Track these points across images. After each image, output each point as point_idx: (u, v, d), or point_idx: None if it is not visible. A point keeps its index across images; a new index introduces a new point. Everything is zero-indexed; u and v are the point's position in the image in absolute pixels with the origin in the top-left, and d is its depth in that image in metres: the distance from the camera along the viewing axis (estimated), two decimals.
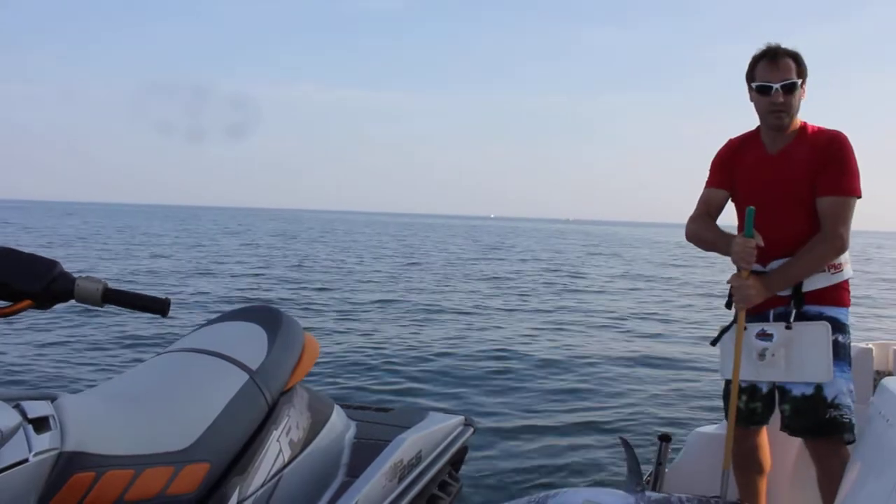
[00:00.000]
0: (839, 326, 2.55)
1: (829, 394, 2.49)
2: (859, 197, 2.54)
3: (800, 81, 2.56)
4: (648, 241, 60.77)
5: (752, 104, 2.67)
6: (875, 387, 2.38)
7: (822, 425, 2.49)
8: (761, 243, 2.51)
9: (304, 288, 16.31)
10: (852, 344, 2.64)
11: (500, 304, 14.64)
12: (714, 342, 2.73)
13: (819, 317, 2.55)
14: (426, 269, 23.29)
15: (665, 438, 2.98)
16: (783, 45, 2.59)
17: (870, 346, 3.06)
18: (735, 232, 2.66)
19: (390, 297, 15.16)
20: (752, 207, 2.52)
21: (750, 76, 2.62)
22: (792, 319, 2.55)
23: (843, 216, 2.52)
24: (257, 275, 19.22)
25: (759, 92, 2.57)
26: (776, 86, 2.52)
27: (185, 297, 13.71)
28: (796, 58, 2.57)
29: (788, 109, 2.56)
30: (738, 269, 2.58)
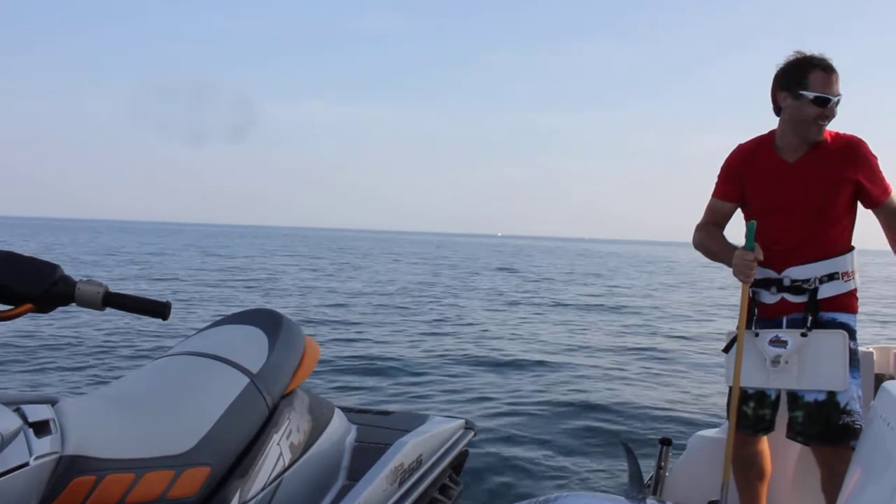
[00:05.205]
0: (850, 333, 2.56)
1: (842, 399, 2.50)
2: None
3: None
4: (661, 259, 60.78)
5: (770, 111, 2.64)
6: (876, 390, 2.38)
7: (835, 431, 2.49)
8: (761, 257, 2.55)
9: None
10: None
11: (503, 310, 14.62)
12: (726, 349, 2.73)
13: (833, 323, 2.55)
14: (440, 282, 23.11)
15: (666, 442, 2.97)
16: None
17: (870, 349, 3.05)
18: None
19: (398, 304, 15.14)
20: (753, 222, 2.56)
21: (798, 82, 2.53)
22: (808, 326, 2.55)
23: None
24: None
25: (817, 103, 2.51)
26: (835, 99, 2.51)
27: None
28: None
29: (830, 122, 2.56)
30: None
